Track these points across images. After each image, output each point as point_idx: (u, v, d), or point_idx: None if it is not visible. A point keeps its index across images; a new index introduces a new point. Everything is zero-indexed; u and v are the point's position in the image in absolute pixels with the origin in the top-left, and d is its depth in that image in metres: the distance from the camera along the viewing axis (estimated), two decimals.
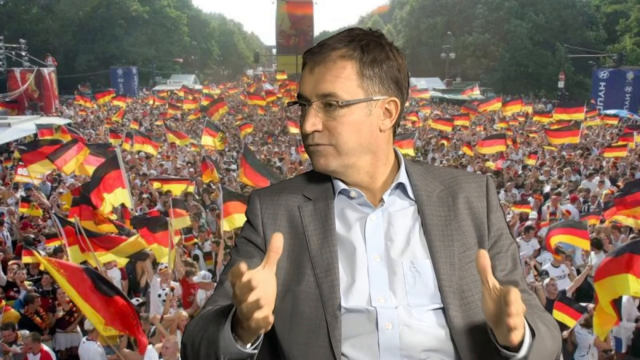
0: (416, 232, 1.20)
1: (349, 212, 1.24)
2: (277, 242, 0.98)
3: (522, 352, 1.01)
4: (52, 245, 8.61)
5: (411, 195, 1.23)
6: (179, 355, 5.13)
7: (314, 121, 1.16)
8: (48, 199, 12.12)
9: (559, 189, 11.90)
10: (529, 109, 26.55)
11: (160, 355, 5.23)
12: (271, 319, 0.97)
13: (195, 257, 8.61)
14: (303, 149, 15.84)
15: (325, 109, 1.16)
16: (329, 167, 1.20)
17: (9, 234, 10.14)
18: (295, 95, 1.23)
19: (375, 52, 1.16)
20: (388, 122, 1.20)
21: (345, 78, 1.14)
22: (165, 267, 7.34)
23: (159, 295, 7.02)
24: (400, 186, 1.24)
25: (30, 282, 7.68)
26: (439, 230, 1.20)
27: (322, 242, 1.19)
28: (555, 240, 7.58)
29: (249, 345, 1.03)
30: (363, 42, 1.16)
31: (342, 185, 1.23)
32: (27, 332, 6.16)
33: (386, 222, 1.21)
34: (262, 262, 1.24)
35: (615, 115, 24.27)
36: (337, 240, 1.20)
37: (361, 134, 1.17)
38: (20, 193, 11.90)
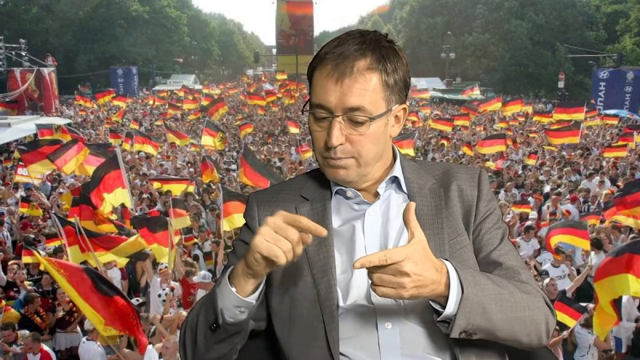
0: None
1: (347, 211, 1.24)
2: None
3: (448, 308, 1.01)
4: (52, 245, 8.61)
5: (404, 189, 1.24)
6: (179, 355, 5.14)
7: (339, 134, 1.13)
8: (48, 199, 12.11)
9: (559, 189, 11.90)
10: (529, 109, 26.55)
11: (160, 355, 5.23)
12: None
13: (195, 257, 8.61)
14: (303, 149, 15.81)
15: (350, 122, 1.13)
16: (349, 179, 1.19)
17: (9, 234, 10.14)
18: (306, 99, 1.21)
19: (394, 60, 1.16)
20: (397, 128, 1.21)
21: (372, 91, 1.12)
22: (165, 267, 7.34)
23: (159, 295, 7.02)
24: (395, 180, 1.25)
25: (30, 282, 7.68)
26: (428, 220, 1.20)
27: (319, 242, 1.19)
28: (555, 240, 7.58)
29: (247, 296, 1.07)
30: (383, 52, 1.15)
31: (338, 185, 1.24)
32: (27, 332, 6.17)
33: (384, 216, 1.21)
34: None
35: (615, 115, 24.27)
36: (336, 239, 1.21)
37: (379, 145, 1.18)
38: (20, 193, 11.90)
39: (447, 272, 1.01)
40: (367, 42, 1.14)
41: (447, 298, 1.01)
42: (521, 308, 1.08)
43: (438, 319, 1.04)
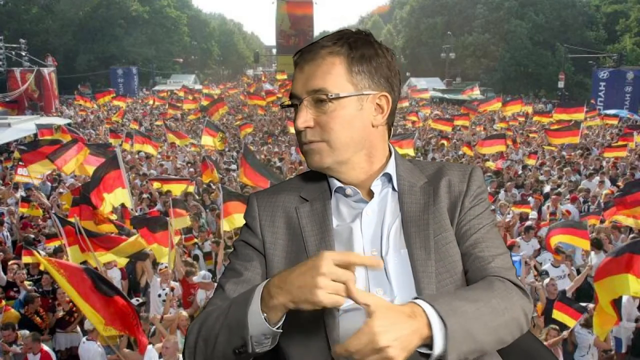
0: (397, 222, 1.20)
1: (346, 210, 1.24)
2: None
3: (437, 348, 0.96)
4: (52, 245, 8.61)
5: (395, 186, 1.24)
6: (179, 355, 5.14)
7: (305, 118, 1.17)
8: (48, 199, 12.11)
9: (559, 189, 11.90)
10: (529, 109, 26.56)
11: (160, 355, 5.22)
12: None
13: (195, 257, 8.61)
14: None
15: (316, 105, 1.17)
16: (324, 164, 1.20)
17: (9, 234, 10.14)
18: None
19: (363, 48, 1.18)
20: (380, 117, 1.21)
21: (334, 73, 1.15)
22: (165, 267, 7.34)
23: (159, 295, 7.02)
24: (390, 179, 1.25)
25: (30, 282, 7.68)
26: (415, 216, 1.20)
27: (320, 242, 1.20)
28: (555, 240, 7.58)
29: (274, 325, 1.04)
30: (351, 40, 1.18)
31: (338, 183, 1.24)
32: (27, 332, 6.16)
33: (380, 214, 1.21)
34: (260, 264, 1.24)
35: (615, 115, 24.27)
36: (336, 238, 1.21)
37: (353, 129, 1.18)
38: (20, 193, 11.90)
39: (424, 311, 0.97)
40: (339, 34, 1.20)
41: (431, 338, 0.96)
42: (500, 313, 1.05)
43: None
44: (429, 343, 0.97)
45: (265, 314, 1.02)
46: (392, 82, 1.22)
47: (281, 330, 1.05)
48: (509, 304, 1.08)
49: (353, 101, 1.17)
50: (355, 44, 1.18)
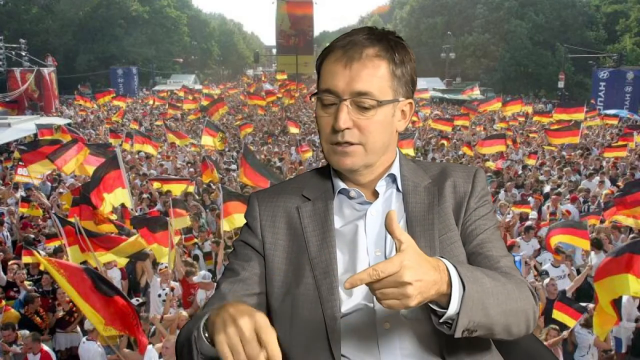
0: (402, 222, 1.21)
1: (349, 211, 1.24)
2: None
3: (451, 308, 0.97)
4: (52, 245, 8.61)
5: (400, 187, 1.24)
6: None
7: (346, 118, 1.14)
8: (48, 199, 12.11)
9: (559, 189, 11.90)
10: (529, 109, 26.55)
11: (160, 355, 5.22)
12: None
13: (195, 257, 8.60)
14: (303, 149, 15.84)
15: (358, 107, 1.14)
16: (355, 167, 1.19)
17: (9, 234, 10.13)
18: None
19: (403, 53, 1.18)
20: (403, 123, 1.22)
21: (380, 77, 1.14)
22: (165, 267, 7.34)
23: (159, 295, 7.02)
24: (395, 179, 1.25)
25: (30, 282, 7.68)
26: (420, 216, 1.20)
27: (321, 243, 1.19)
28: (555, 240, 7.58)
29: None
30: (392, 42, 1.17)
31: (342, 185, 1.24)
32: (27, 332, 6.16)
33: (384, 215, 1.21)
34: (259, 264, 1.24)
35: (615, 115, 24.26)
36: (338, 239, 1.20)
37: (386, 134, 1.19)
38: (20, 193, 11.89)
39: (447, 269, 0.99)
40: (376, 34, 1.17)
41: (448, 296, 0.98)
42: (513, 299, 1.07)
43: (440, 321, 1.00)
44: (442, 302, 0.98)
45: (206, 334, 0.98)
46: (414, 88, 1.23)
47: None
48: (523, 295, 1.10)
49: (390, 107, 1.17)
50: (397, 47, 1.17)
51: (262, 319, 0.89)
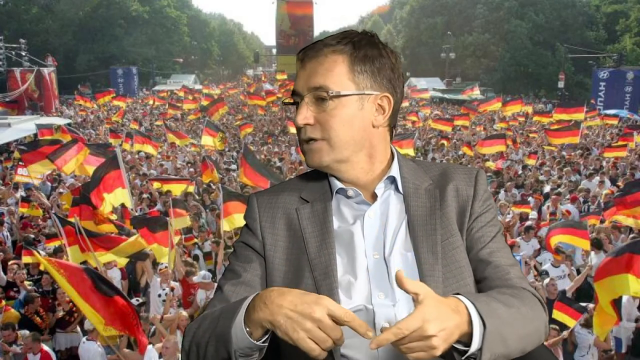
0: (404, 225, 1.20)
1: (347, 211, 1.23)
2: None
3: (474, 345, 0.97)
4: (52, 245, 8.61)
5: (400, 189, 1.23)
6: (179, 355, 5.14)
7: (305, 114, 1.17)
8: (48, 199, 12.11)
9: (559, 189, 11.90)
10: (529, 109, 26.56)
11: (160, 355, 5.23)
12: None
13: (195, 257, 8.61)
14: None
15: (317, 103, 1.16)
16: (323, 163, 1.20)
17: (9, 234, 10.14)
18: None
19: (367, 48, 1.18)
20: (381, 118, 1.20)
21: (336, 72, 1.15)
22: (165, 267, 7.34)
23: (159, 295, 7.02)
24: (394, 181, 1.24)
25: (30, 282, 7.68)
26: (422, 220, 1.19)
27: (320, 244, 1.19)
28: (555, 240, 7.58)
29: (258, 339, 1.03)
30: (355, 39, 1.18)
31: (339, 185, 1.23)
32: (27, 332, 6.16)
33: (382, 217, 1.21)
34: (260, 266, 1.24)
35: (615, 115, 24.26)
36: (337, 240, 1.20)
37: (353, 128, 1.17)
38: (20, 193, 11.90)
39: (466, 308, 0.98)
40: (344, 34, 1.20)
41: (469, 334, 0.97)
42: (528, 322, 1.08)
43: (462, 358, 1.00)
44: (463, 340, 0.98)
45: (248, 328, 1.01)
46: (394, 84, 1.21)
47: (266, 344, 1.04)
48: (536, 314, 1.11)
49: (354, 100, 1.16)
50: (359, 43, 1.18)
51: (327, 301, 0.94)
